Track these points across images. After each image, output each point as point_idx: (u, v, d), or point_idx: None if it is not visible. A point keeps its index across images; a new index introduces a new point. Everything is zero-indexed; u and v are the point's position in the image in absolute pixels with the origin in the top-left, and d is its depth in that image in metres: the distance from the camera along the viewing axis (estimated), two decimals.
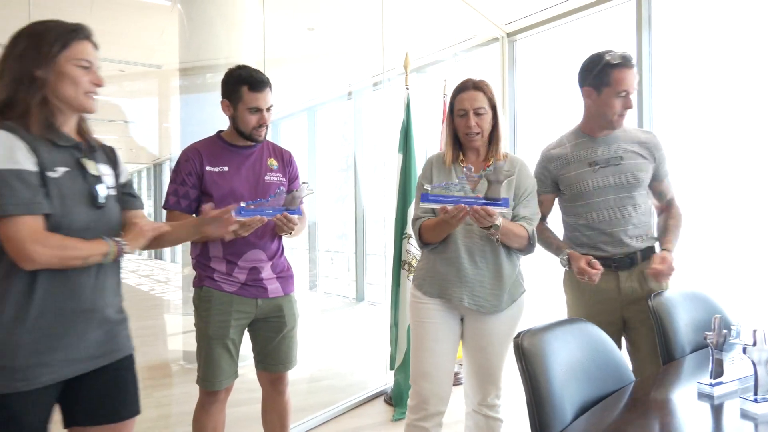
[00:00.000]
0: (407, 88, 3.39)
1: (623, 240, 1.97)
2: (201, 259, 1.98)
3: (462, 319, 1.94)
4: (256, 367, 2.10)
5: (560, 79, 4.75)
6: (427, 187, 1.69)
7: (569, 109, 4.57)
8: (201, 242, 1.97)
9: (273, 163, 2.04)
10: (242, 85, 1.91)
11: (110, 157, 1.50)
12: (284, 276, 2.07)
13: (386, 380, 3.50)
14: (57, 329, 1.30)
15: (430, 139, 3.98)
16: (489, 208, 1.65)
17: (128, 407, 1.47)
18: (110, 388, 1.43)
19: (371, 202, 6.64)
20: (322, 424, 3.00)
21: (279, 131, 7.82)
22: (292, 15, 4.30)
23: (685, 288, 1.97)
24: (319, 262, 7.73)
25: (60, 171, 1.29)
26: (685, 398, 1.34)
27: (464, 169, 1.71)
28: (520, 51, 4.91)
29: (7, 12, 3.58)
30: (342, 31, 4.79)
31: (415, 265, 3.22)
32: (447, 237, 1.87)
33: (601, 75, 1.94)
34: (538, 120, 4.91)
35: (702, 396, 1.31)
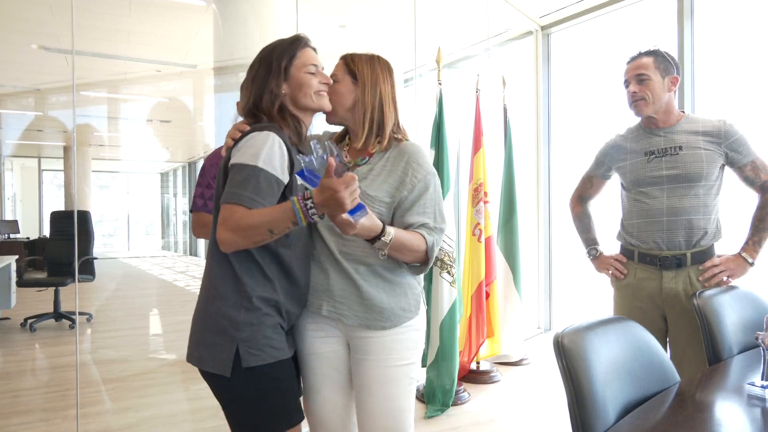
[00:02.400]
0: (440, 83, 3.36)
1: (673, 231, 1.91)
2: None
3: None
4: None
5: (597, 74, 4.63)
6: (304, 159, 1.22)
7: (607, 104, 4.46)
8: None
9: None
10: None
11: None
12: None
13: (418, 377, 3.48)
14: None
15: (463, 135, 3.94)
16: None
17: None
18: None
19: None
20: None
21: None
22: (324, 13, 4.32)
23: (732, 286, 1.89)
24: None
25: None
26: (734, 401, 1.29)
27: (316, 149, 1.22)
28: (555, 45, 4.81)
29: (52, 17, 3.71)
30: (373, 27, 4.78)
31: (448, 261, 3.20)
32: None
33: None
34: (574, 116, 4.80)
35: (752, 398, 1.25)
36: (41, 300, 5.59)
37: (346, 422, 1.53)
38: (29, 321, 5.12)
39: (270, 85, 1.38)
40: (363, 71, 1.50)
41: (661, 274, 1.92)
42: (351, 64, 1.52)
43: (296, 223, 1.21)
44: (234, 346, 1.29)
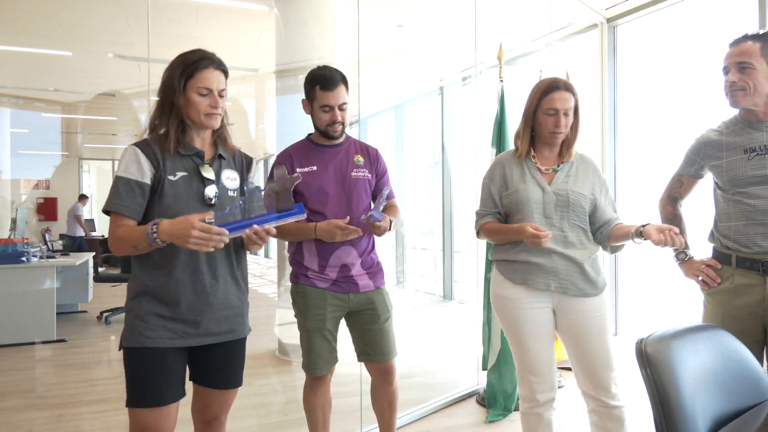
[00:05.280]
0: (501, 81, 3.28)
1: None
2: (296, 256, 2.08)
3: (554, 312, 1.94)
4: (360, 359, 2.16)
5: (667, 68, 4.40)
6: (210, 219, 1.45)
7: (677, 100, 4.23)
8: (297, 240, 2.08)
9: (359, 159, 2.10)
10: (315, 84, 1.99)
11: (242, 164, 1.73)
12: (373, 271, 2.12)
13: (478, 380, 3.43)
14: None
15: None
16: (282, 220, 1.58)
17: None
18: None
19: (460, 198, 6.55)
20: (414, 421, 2.98)
21: (367, 129, 7.93)
22: (382, 13, 4.32)
23: None
24: (406, 258, 7.76)
25: (179, 175, 1.57)
26: None
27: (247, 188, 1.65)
28: (622, 38, 4.60)
29: (128, 27, 3.92)
30: (431, 26, 4.75)
31: None
32: (527, 216, 1.89)
33: None
34: (641, 113, 4.58)
35: None
36: (115, 295, 5.90)
37: (550, 368, 1.95)
38: (104, 314, 5.42)
39: (168, 94, 1.56)
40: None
41: (765, 280, 1.76)
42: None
43: (150, 244, 1.44)
44: (124, 328, 1.57)
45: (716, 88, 1.90)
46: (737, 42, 1.80)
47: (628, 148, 4.62)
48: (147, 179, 1.54)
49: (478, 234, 2.04)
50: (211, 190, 1.59)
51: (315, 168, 2.02)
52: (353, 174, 2.05)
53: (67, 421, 2.99)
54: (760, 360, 1.81)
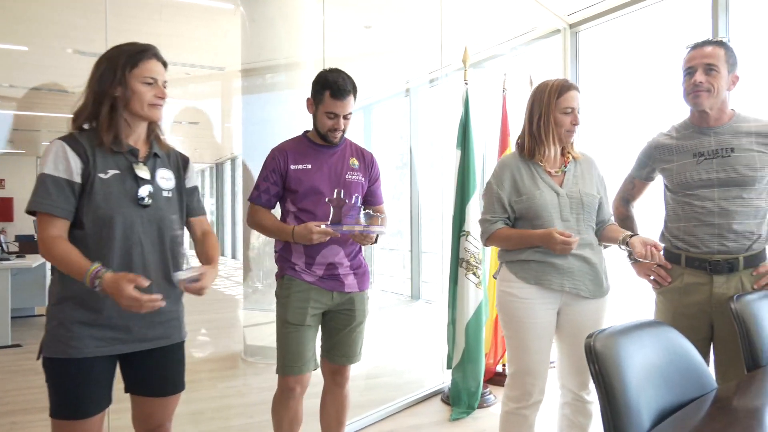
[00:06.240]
0: (466, 83, 3.33)
1: (725, 236, 1.81)
2: (283, 253, 2.08)
3: (558, 312, 1.96)
4: (321, 356, 2.15)
5: (628, 73, 4.53)
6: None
7: (638, 105, 4.37)
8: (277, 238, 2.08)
9: (354, 162, 2.10)
10: (326, 89, 1.98)
11: (177, 163, 1.65)
12: (360, 272, 2.13)
13: (443, 379, 3.46)
14: None
15: (489, 135, 3.90)
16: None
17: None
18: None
19: (427, 200, 6.60)
20: (378, 421, 3.00)
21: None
22: (349, 13, 4.33)
23: None
24: (374, 259, 7.77)
25: (110, 173, 1.48)
26: None
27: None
28: (584, 43, 4.72)
29: (86, 21, 3.80)
30: (399, 28, 4.77)
31: (473, 262, 3.17)
32: (547, 221, 1.89)
33: None
34: (602, 118, 4.71)
35: None
36: None
37: (546, 370, 1.98)
38: None
39: (105, 86, 1.48)
40: None
41: (712, 279, 1.83)
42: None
43: (82, 279, 1.37)
44: (45, 335, 1.49)
45: (671, 91, 1.97)
46: (702, 45, 1.84)
47: (588, 150, 4.74)
48: (77, 177, 1.43)
49: (486, 241, 2.01)
50: (144, 190, 1.51)
51: (309, 166, 2.02)
52: (347, 176, 2.05)
53: (21, 428, 2.90)
54: (707, 356, 1.89)
